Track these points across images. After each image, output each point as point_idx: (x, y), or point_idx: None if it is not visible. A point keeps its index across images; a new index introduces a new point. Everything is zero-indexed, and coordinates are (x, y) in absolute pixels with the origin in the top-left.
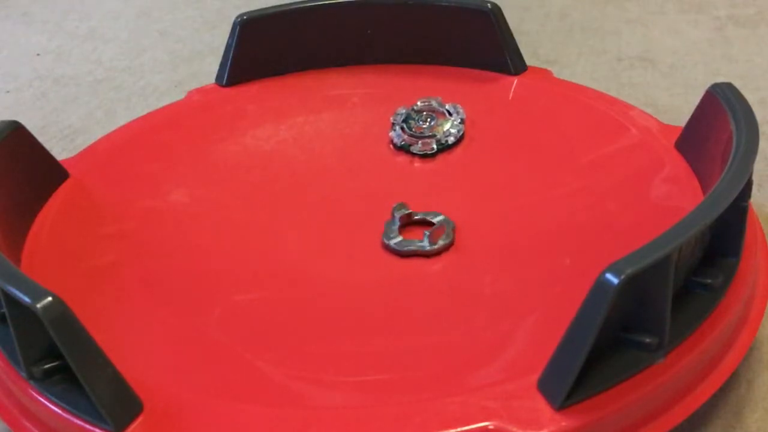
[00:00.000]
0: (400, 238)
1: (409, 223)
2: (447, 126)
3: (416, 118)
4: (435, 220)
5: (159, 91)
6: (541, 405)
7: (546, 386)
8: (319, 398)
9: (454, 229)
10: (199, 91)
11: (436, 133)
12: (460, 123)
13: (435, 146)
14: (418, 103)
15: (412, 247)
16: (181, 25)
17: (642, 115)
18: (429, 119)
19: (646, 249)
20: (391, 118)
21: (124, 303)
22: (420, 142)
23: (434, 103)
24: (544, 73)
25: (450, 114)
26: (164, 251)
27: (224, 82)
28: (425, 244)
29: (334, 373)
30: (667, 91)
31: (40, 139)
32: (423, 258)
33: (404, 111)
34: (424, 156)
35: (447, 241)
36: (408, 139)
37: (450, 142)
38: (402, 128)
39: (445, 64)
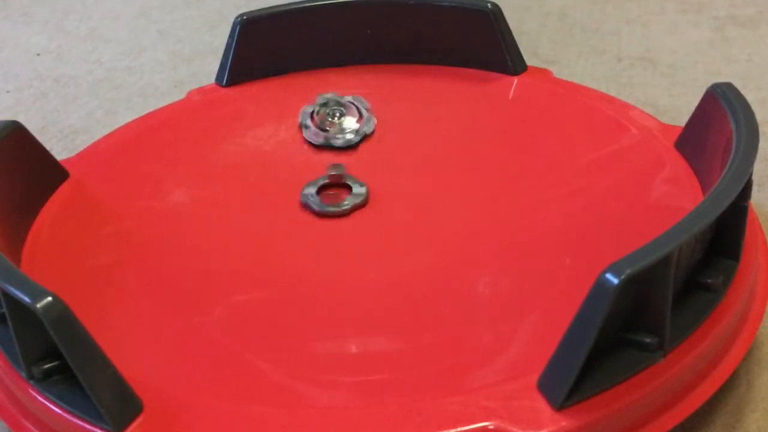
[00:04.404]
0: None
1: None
2: (358, 118)
3: (329, 114)
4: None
5: (159, 91)
6: (541, 405)
7: (546, 386)
8: (319, 398)
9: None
10: (199, 91)
11: (352, 125)
12: (368, 112)
13: (355, 138)
14: (321, 99)
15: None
16: (181, 25)
17: (642, 115)
18: (338, 114)
19: (646, 249)
20: (300, 118)
21: (124, 303)
22: (340, 136)
23: (336, 98)
24: (544, 73)
25: (354, 107)
26: (164, 251)
27: (224, 82)
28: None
29: (334, 373)
30: (667, 91)
31: (40, 139)
32: (418, 257)
33: (309, 109)
34: (350, 147)
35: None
36: (326, 134)
37: (368, 132)
38: (317, 126)
39: (445, 64)
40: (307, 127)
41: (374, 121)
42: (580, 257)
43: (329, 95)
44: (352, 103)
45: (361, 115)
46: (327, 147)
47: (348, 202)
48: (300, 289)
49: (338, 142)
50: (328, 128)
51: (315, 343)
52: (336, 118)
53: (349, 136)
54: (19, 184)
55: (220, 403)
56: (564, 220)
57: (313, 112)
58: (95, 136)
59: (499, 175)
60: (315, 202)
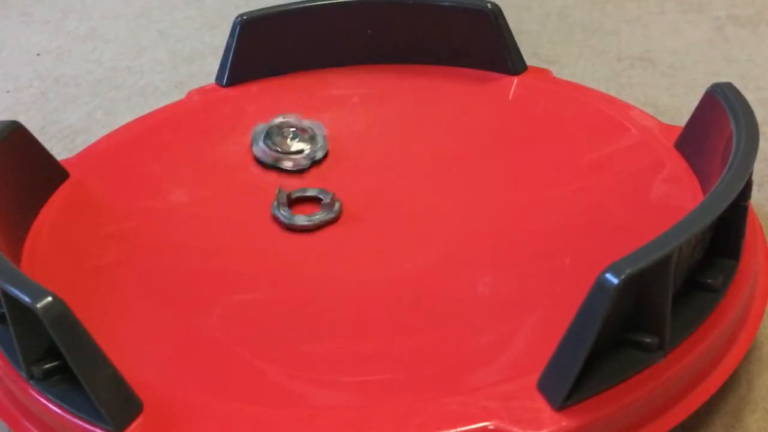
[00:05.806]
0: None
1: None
2: (312, 143)
3: (283, 135)
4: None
5: (159, 91)
6: (541, 405)
7: (546, 386)
8: (319, 398)
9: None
10: (199, 91)
11: (304, 149)
12: (323, 139)
13: (304, 162)
14: (277, 120)
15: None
16: (181, 25)
17: (642, 115)
18: (292, 136)
19: (646, 249)
20: (252, 135)
21: (124, 303)
22: (291, 158)
23: (293, 120)
24: (544, 73)
25: (310, 131)
26: (164, 251)
27: (224, 82)
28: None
29: (334, 373)
30: (667, 91)
31: (40, 139)
32: (418, 256)
33: (263, 127)
34: (299, 171)
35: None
36: (276, 155)
37: (318, 157)
38: (268, 145)
39: (445, 64)
40: (257, 144)
41: (327, 147)
42: (580, 257)
43: (288, 117)
44: (309, 128)
45: (315, 141)
46: (275, 168)
47: (321, 212)
48: (300, 289)
49: (287, 165)
50: (278, 149)
51: (315, 344)
52: (289, 140)
53: (300, 161)
54: (19, 184)
55: (220, 403)
56: (564, 220)
57: (267, 131)
58: (95, 136)
59: (500, 175)
60: (289, 216)
